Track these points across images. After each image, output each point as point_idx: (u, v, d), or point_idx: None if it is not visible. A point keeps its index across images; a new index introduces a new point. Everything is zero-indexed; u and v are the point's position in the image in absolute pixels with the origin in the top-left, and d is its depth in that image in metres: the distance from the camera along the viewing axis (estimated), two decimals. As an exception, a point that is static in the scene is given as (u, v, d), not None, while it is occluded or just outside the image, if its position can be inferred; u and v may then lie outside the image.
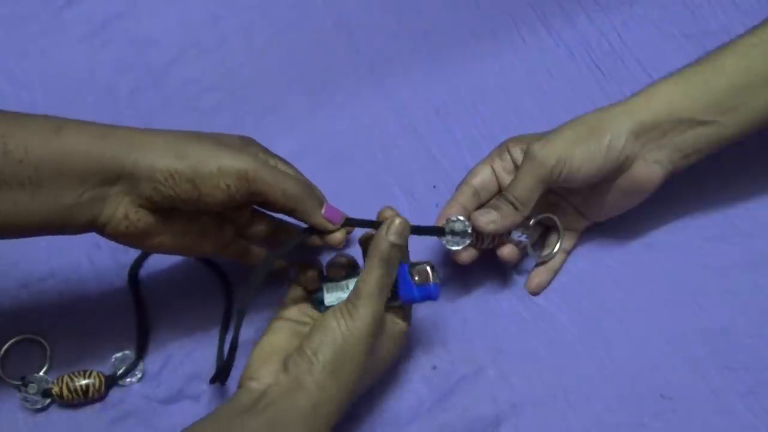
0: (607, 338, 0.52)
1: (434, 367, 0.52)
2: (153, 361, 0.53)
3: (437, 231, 0.50)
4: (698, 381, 0.51)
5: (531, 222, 0.51)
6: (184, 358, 0.53)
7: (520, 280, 0.54)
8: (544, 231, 0.55)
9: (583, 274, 0.54)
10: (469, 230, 0.49)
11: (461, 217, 0.50)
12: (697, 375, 0.51)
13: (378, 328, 0.45)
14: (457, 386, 0.51)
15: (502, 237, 0.51)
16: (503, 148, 0.52)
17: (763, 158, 0.57)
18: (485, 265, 0.54)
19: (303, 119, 0.61)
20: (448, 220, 0.50)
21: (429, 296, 0.47)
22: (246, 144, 0.49)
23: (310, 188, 0.47)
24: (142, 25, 0.64)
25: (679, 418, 0.50)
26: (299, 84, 0.62)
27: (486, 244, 0.51)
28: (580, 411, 0.50)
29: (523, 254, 0.53)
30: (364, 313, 0.44)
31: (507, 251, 0.51)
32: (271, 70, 0.63)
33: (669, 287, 0.53)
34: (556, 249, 0.53)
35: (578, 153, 0.48)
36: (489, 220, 0.49)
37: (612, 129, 0.48)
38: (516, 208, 0.49)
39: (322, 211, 0.47)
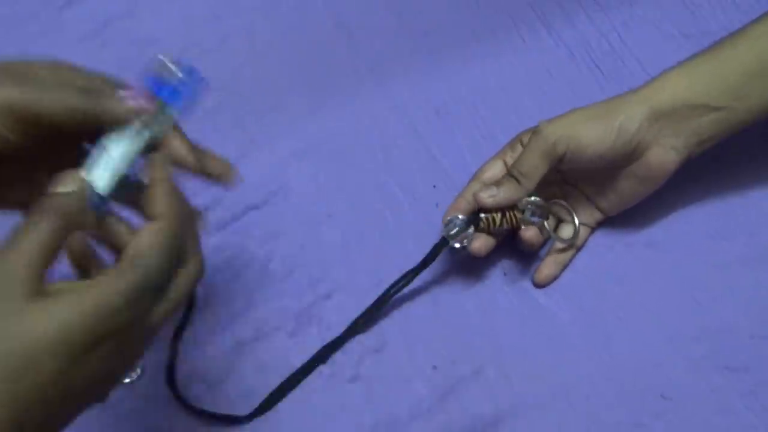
0: (608, 336, 0.52)
1: (434, 367, 0.52)
2: (153, 361, 0.53)
3: (441, 245, 0.50)
4: (698, 380, 0.51)
5: (532, 199, 0.50)
6: (184, 357, 0.53)
7: (520, 278, 0.54)
8: (556, 225, 0.55)
9: (584, 271, 0.54)
10: (466, 222, 0.49)
11: (458, 216, 0.50)
12: (697, 374, 0.51)
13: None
14: (457, 386, 0.51)
15: (517, 220, 0.50)
16: (516, 140, 0.52)
17: (765, 154, 0.57)
18: (486, 264, 0.54)
19: (303, 119, 0.61)
20: (446, 225, 0.50)
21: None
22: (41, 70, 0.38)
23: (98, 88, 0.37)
24: (143, 24, 0.64)
25: (680, 418, 0.50)
26: (300, 84, 0.62)
27: (498, 225, 0.50)
28: (580, 410, 0.50)
29: (545, 238, 0.53)
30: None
31: (529, 234, 0.51)
32: (271, 70, 0.63)
33: (670, 285, 0.53)
34: (577, 226, 0.53)
35: (586, 131, 0.48)
36: (489, 194, 0.49)
37: (625, 112, 0.48)
38: (519, 182, 0.49)
39: (120, 93, 0.37)
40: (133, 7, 0.65)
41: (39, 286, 0.32)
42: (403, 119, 0.60)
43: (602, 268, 0.54)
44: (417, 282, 0.53)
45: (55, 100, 0.35)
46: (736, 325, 0.52)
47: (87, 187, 0.35)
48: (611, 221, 0.55)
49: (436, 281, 0.55)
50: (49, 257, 0.32)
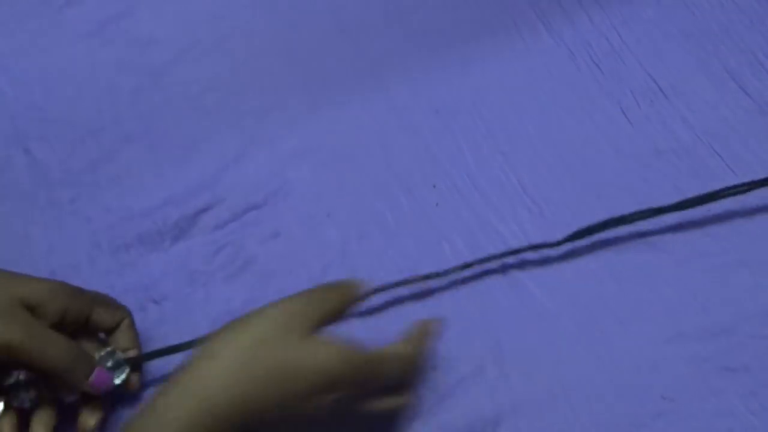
0: (608, 337, 0.52)
1: (434, 367, 0.52)
2: (152, 363, 0.53)
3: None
4: (699, 381, 0.51)
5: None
6: (184, 356, 0.53)
7: (521, 278, 0.54)
8: None
9: (585, 271, 0.54)
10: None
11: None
12: (697, 375, 0.51)
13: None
14: (457, 386, 0.51)
15: None
16: None
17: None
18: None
19: (303, 119, 0.61)
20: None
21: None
22: (53, 295, 0.45)
23: (78, 356, 0.45)
24: (143, 24, 0.64)
25: (680, 419, 0.50)
26: (299, 84, 0.62)
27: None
28: (580, 411, 0.50)
29: None
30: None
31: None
32: (271, 69, 0.63)
33: (670, 285, 0.53)
34: None
35: None
36: None
37: None
38: None
39: (90, 378, 0.45)
40: (132, 7, 0.65)
41: (316, 332, 0.42)
42: (403, 119, 0.60)
43: (602, 268, 0.54)
44: (417, 282, 0.53)
45: (46, 357, 0.43)
46: (736, 325, 0.52)
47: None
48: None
49: (436, 281, 0.55)
50: (328, 320, 0.44)
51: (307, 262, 0.55)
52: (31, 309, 0.44)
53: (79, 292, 0.47)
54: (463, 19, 0.64)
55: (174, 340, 0.53)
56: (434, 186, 0.58)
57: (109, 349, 0.48)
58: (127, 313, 0.50)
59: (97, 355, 0.48)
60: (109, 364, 0.48)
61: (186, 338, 0.53)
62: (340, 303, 0.45)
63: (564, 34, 0.63)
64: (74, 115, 0.60)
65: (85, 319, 0.47)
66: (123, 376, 0.48)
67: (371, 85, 0.62)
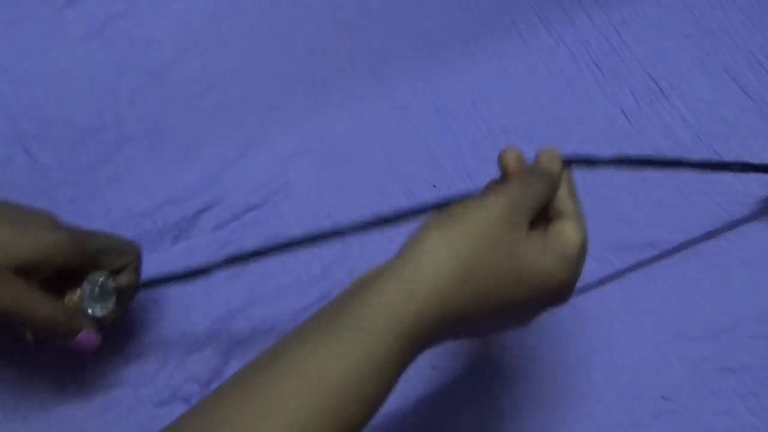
0: (608, 337, 0.52)
1: (434, 367, 0.52)
2: (151, 362, 0.53)
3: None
4: (699, 381, 0.51)
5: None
6: (180, 356, 0.53)
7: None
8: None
9: (584, 271, 0.54)
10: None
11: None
12: (697, 375, 0.51)
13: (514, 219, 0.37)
14: (457, 386, 0.51)
15: None
16: None
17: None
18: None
19: (303, 119, 0.61)
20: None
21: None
22: (52, 254, 0.45)
23: (64, 320, 0.45)
24: (143, 24, 0.64)
25: (680, 419, 0.50)
26: (299, 84, 0.62)
27: None
28: (580, 411, 0.50)
29: None
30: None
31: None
32: (271, 69, 0.63)
33: (670, 285, 0.54)
34: None
35: None
36: None
37: None
38: None
39: (78, 336, 0.46)
40: (132, 7, 0.65)
41: (529, 228, 0.38)
42: (403, 119, 0.60)
43: (602, 268, 0.54)
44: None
45: (31, 322, 0.44)
46: (736, 325, 0.52)
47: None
48: (610, 223, 0.54)
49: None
50: (537, 210, 0.39)
51: (307, 262, 0.55)
52: (29, 270, 0.45)
53: (81, 245, 0.46)
54: (463, 19, 0.64)
55: (174, 340, 0.53)
56: (434, 186, 0.58)
57: (101, 277, 0.47)
58: (132, 257, 0.49)
59: (88, 278, 0.47)
60: (96, 291, 0.47)
61: (186, 338, 0.53)
62: (549, 192, 0.40)
63: (564, 33, 0.63)
64: (74, 115, 0.60)
65: (88, 267, 0.47)
66: (109, 306, 0.47)
67: (371, 85, 0.62)
